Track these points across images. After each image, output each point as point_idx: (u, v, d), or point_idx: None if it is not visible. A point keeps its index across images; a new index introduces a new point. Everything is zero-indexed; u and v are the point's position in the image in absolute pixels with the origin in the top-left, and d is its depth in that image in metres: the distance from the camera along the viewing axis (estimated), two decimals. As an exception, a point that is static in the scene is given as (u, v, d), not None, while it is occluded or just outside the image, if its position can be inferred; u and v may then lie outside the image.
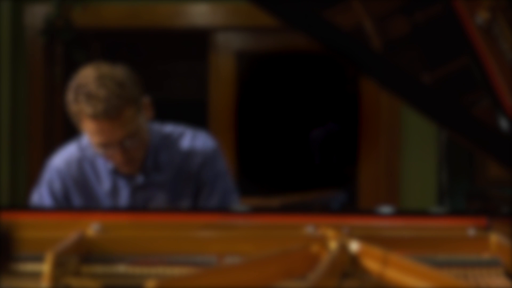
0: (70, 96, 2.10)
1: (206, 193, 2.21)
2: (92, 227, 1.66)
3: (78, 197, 2.20)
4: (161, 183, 2.20)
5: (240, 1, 3.83)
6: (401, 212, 1.82)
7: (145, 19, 4.00)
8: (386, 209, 1.78)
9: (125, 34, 4.40)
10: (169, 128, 2.27)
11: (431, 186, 3.85)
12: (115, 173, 2.19)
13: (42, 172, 2.28)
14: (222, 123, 4.07)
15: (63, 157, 2.25)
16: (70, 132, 3.89)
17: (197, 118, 3.47)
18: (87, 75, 2.08)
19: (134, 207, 2.17)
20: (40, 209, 1.84)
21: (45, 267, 1.40)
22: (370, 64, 1.79)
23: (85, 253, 1.58)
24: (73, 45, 4.07)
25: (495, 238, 1.64)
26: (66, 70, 4.16)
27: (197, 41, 4.28)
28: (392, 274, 1.48)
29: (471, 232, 1.68)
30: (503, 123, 1.70)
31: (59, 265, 1.42)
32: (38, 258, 1.51)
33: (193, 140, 2.25)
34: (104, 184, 2.20)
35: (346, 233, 1.62)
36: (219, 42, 4.13)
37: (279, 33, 3.90)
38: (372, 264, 1.51)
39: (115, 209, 2.09)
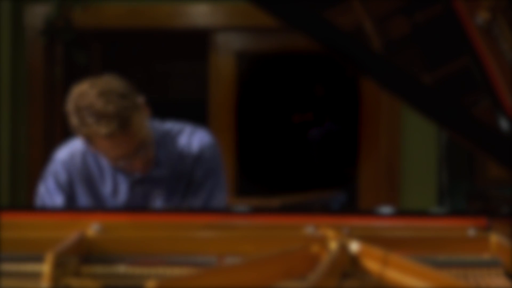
0: (74, 120, 2.05)
1: (192, 190, 2.22)
2: (92, 227, 1.66)
3: (82, 188, 2.22)
4: (159, 178, 2.21)
5: (240, 1, 3.83)
6: (401, 212, 1.82)
7: (145, 19, 4.00)
8: (386, 209, 1.78)
9: (125, 34, 4.40)
10: (169, 125, 2.28)
11: (431, 186, 3.85)
12: (116, 168, 2.20)
13: (46, 166, 2.29)
14: (222, 123, 4.07)
15: (67, 150, 2.26)
16: (70, 132, 3.90)
17: (197, 118, 3.46)
18: (87, 94, 2.02)
19: (134, 207, 2.18)
20: (40, 209, 1.84)
21: (45, 268, 1.40)
22: (370, 64, 1.79)
23: (85, 254, 1.58)
24: (73, 45, 4.08)
25: (495, 238, 1.64)
26: (66, 71, 4.17)
27: (197, 41, 4.28)
28: (392, 274, 1.48)
29: (471, 232, 1.68)
30: (503, 123, 1.70)
31: (59, 265, 1.42)
32: (38, 258, 1.51)
33: (190, 136, 2.26)
34: (107, 184, 2.22)
35: (346, 233, 1.62)
36: (219, 42, 4.13)
37: (279, 33, 3.90)
38: (372, 264, 1.51)
39: (115, 209, 2.09)
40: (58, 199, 2.21)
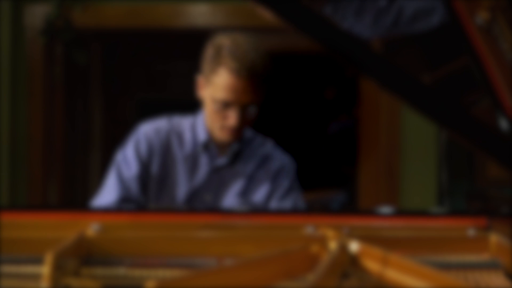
0: (209, 51, 2.15)
1: (279, 196, 2.25)
2: (92, 227, 1.66)
3: (158, 164, 2.22)
4: (239, 173, 2.24)
5: (240, 1, 3.84)
6: (401, 212, 1.82)
7: (145, 19, 4.00)
8: (386, 209, 1.78)
9: (125, 34, 4.40)
10: (253, 133, 2.33)
11: (431, 186, 3.85)
12: (204, 147, 2.22)
13: (129, 135, 2.28)
14: (222, 123, 4.06)
15: (153, 125, 2.27)
16: (70, 132, 3.89)
17: (197, 118, 3.46)
18: (235, 38, 2.13)
19: (134, 207, 2.18)
20: (40, 209, 1.83)
21: (45, 268, 1.40)
22: (370, 64, 1.79)
23: (85, 254, 1.58)
24: (73, 45, 4.08)
25: (495, 239, 1.64)
26: (66, 70, 4.17)
27: (197, 41, 4.28)
28: (392, 274, 1.48)
29: (471, 232, 1.68)
30: (503, 123, 1.70)
31: (59, 266, 1.42)
32: (38, 259, 1.51)
33: (274, 147, 2.33)
34: (186, 148, 2.23)
35: (346, 233, 1.62)
36: (219, 42, 4.12)
37: (279, 33, 3.90)
38: (372, 264, 1.51)
39: (115, 209, 2.09)
40: (134, 169, 2.20)
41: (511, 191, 3.58)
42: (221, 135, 2.18)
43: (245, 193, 2.24)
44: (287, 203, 2.25)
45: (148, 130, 2.25)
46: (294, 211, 2.10)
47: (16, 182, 4.00)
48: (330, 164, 5.39)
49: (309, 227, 1.68)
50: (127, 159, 2.22)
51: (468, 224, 1.71)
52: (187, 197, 2.21)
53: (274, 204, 2.24)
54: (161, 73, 5.95)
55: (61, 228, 1.68)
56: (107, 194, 2.20)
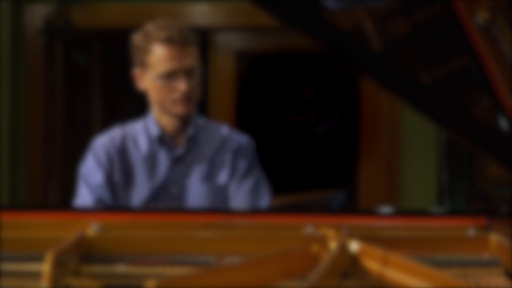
0: (137, 34, 2.23)
1: (237, 180, 2.28)
2: (92, 227, 1.66)
3: (118, 168, 2.25)
4: (199, 159, 2.27)
5: (240, 1, 3.83)
6: (401, 212, 1.82)
7: (145, 19, 3.98)
8: (386, 209, 1.78)
9: (125, 34, 4.38)
10: (209, 120, 2.38)
11: (431, 186, 3.85)
12: (159, 141, 2.26)
13: (85, 151, 2.32)
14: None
15: (107, 136, 2.31)
16: (70, 132, 3.90)
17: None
18: (157, 19, 2.23)
19: (134, 207, 2.18)
20: (40, 209, 1.83)
21: (45, 267, 1.40)
22: (370, 64, 1.79)
23: (85, 253, 1.58)
24: (73, 45, 4.08)
25: (495, 238, 1.64)
26: (66, 70, 4.17)
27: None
28: (392, 274, 1.48)
29: (471, 232, 1.68)
30: (503, 123, 1.70)
31: (59, 265, 1.42)
32: (38, 258, 1.51)
33: (231, 130, 2.36)
34: (142, 148, 2.27)
35: (346, 233, 1.62)
36: (219, 42, 4.13)
37: (279, 33, 3.90)
38: (372, 264, 1.51)
39: (115, 209, 2.09)
40: (98, 176, 2.24)
41: (511, 191, 3.58)
42: (176, 109, 2.21)
43: (208, 178, 2.26)
44: (247, 184, 2.28)
45: (103, 141, 2.29)
46: (294, 211, 2.10)
47: (16, 182, 4.00)
48: (324, 165, 5.39)
49: (309, 227, 1.68)
50: (90, 170, 2.26)
51: (468, 224, 1.71)
52: (153, 194, 2.23)
53: (234, 185, 2.27)
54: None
55: (61, 228, 1.68)
56: (81, 201, 2.24)
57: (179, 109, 2.20)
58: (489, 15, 1.65)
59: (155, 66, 2.16)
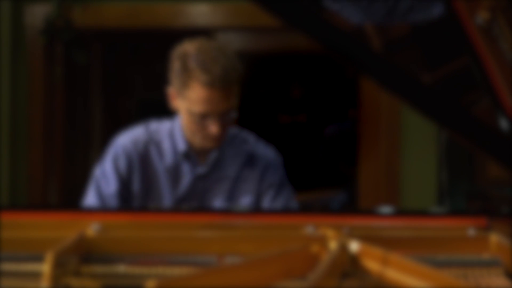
0: (176, 64, 2.10)
1: (271, 195, 2.21)
2: (92, 227, 1.66)
3: (139, 178, 2.16)
4: (224, 177, 2.19)
5: (240, 1, 3.84)
6: (401, 212, 1.81)
7: (145, 19, 4.00)
8: (386, 209, 1.78)
9: (125, 34, 4.40)
10: (235, 130, 2.28)
11: (431, 186, 3.85)
12: (185, 156, 2.17)
13: (106, 149, 2.23)
14: (222, 123, 4.06)
15: (130, 136, 2.20)
16: (70, 132, 3.90)
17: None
18: (200, 46, 2.08)
19: (134, 207, 2.17)
20: (40, 209, 1.83)
21: (45, 267, 1.40)
22: (370, 64, 1.79)
23: (85, 253, 1.58)
24: (73, 45, 4.08)
25: (495, 238, 1.64)
26: (66, 70, 4.17)
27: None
28: (392, 274, 1.48)
29: (471, 232, 1.68)
30: (503, 123, 1.70)
31: (59, 265, 1.42)
32: (38, 258, 1.51)
33: (256, 143, 2.27)
34: (166, 159, 2.17)
35: (346, 233, 1.62)
36: (220, 42, 4.12)
37: (279, 33, 3.90)
38: (372, 264, 1.51)
39: (115, 209, 2.09)
40: (113, 185, 2.15)
41: (511, 191, 3.58)
42: (205, 143, 2.13)
43: (231, 197, 2.19)
44: (279, 202, 2.21)
45: (125, 143, 2.18)
46: (294, 211, 2.10)
47: (16, 182, 4.00)
48: (329, 165, 5.39)
49: (309, 227, 1.68)
50: (106, 175, 2.17)
51: (468, 224, 1.71)
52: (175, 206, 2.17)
53: (266, 205, 2.20)
54: (161, 73, 5.96)
55: (61, 228, 1.68)
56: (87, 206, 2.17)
57: (208, 144, 2.12)
58: (489, 15, 1.65)
59: (191, 103, 2.06)
